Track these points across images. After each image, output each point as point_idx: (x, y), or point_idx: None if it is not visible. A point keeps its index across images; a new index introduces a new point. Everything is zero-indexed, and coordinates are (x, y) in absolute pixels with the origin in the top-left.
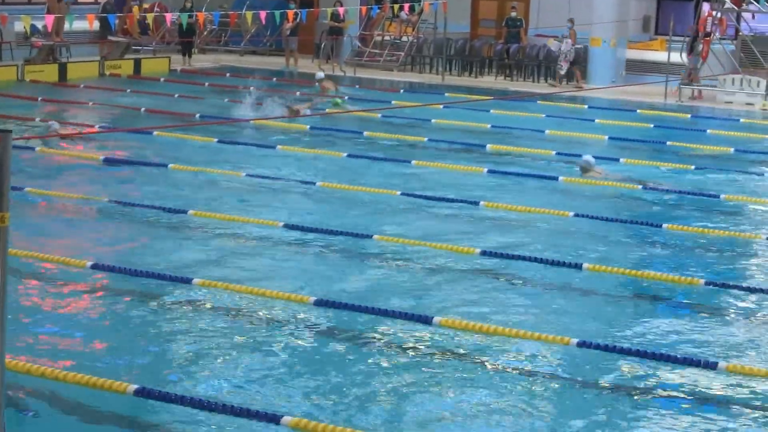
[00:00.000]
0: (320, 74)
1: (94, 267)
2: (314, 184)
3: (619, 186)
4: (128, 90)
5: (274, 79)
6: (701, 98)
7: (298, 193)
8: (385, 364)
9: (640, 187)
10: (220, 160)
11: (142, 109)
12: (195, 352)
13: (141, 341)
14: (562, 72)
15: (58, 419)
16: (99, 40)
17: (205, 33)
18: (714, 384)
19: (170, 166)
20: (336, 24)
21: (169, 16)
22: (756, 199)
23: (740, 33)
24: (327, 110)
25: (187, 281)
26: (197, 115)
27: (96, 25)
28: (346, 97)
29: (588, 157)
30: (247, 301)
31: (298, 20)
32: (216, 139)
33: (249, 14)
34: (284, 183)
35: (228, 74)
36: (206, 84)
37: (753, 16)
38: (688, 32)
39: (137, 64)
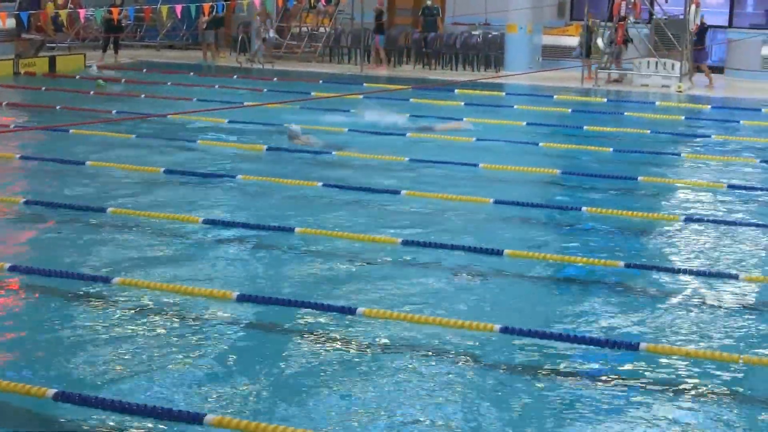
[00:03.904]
0: (93, 69)
1: (12, 269)
2: (234, 177)
3: (539, 171)
4: (43, 88)
5: (191, 73)
6: (610, 80)
7: (219, 187)
8: (309, 358)
9: (559, 172)
10: (139, 156)
11: (58, 106)
12: (115, 353)
13: (60, 343)
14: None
15: None
16: (13, 38)
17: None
18: (636, 364)
19: (88, 163)
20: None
21: (83, 12)
22: (673, 180)
23: (654, 16)
24: (92, 92)
25: (107, 280)
26: (114, 112)
27: (10, 23)
28: (104, 82)
29: (295, 127)
30: (168, 299)
31: (214, 13)
32: (134, 135)
33: (164, 8)
34: (204, 178)
35: (144, 70)
36: (123, 80)
37: (666, 0)
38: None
39: (52, 61)
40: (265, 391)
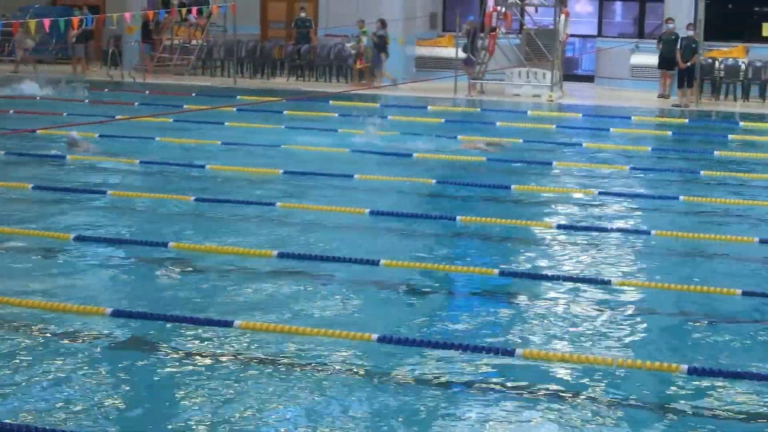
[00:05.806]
0: None
1: None
2: (105, 193)
3: (415, 180)
4: None
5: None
6: (483, 92)
7: (90, 203)
8: (184, 373)
9: (434, 181)
10: (6, 172)
11: None
12: None
13: None
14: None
15: None
16: None
17: None
18: (513, 370)
19: None
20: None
21: None
22: (545, 188)
23: (525, 27)
24: None
25: None
26: None
27: None
28: None
29: (73, 133)
30: (40, 316)
31: (83, 27)
32: (2, 152)
33: (32, 22)
34: (74, 194)
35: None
36: None
37: (536, 10)
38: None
39: None
40: (139, 408)
